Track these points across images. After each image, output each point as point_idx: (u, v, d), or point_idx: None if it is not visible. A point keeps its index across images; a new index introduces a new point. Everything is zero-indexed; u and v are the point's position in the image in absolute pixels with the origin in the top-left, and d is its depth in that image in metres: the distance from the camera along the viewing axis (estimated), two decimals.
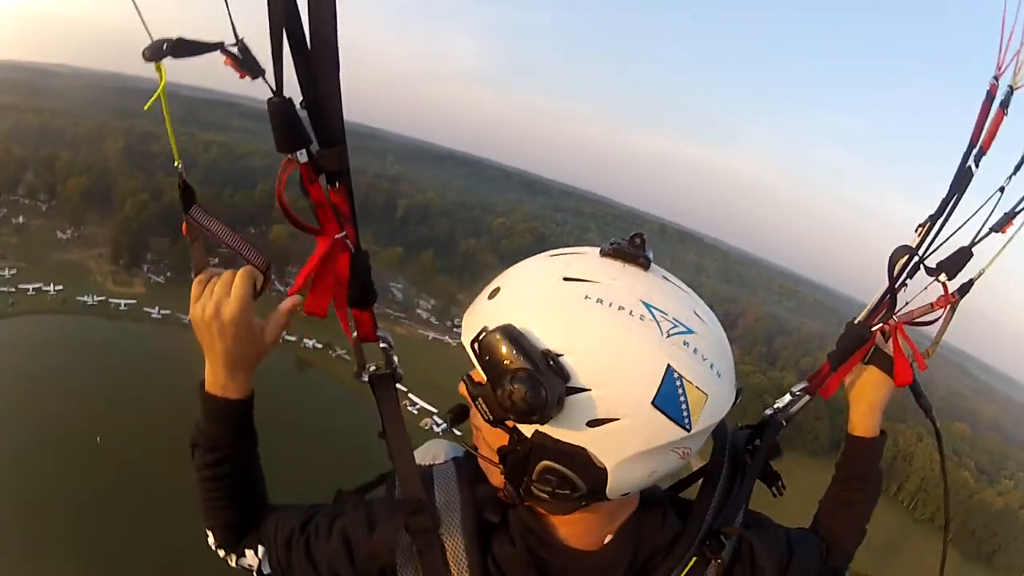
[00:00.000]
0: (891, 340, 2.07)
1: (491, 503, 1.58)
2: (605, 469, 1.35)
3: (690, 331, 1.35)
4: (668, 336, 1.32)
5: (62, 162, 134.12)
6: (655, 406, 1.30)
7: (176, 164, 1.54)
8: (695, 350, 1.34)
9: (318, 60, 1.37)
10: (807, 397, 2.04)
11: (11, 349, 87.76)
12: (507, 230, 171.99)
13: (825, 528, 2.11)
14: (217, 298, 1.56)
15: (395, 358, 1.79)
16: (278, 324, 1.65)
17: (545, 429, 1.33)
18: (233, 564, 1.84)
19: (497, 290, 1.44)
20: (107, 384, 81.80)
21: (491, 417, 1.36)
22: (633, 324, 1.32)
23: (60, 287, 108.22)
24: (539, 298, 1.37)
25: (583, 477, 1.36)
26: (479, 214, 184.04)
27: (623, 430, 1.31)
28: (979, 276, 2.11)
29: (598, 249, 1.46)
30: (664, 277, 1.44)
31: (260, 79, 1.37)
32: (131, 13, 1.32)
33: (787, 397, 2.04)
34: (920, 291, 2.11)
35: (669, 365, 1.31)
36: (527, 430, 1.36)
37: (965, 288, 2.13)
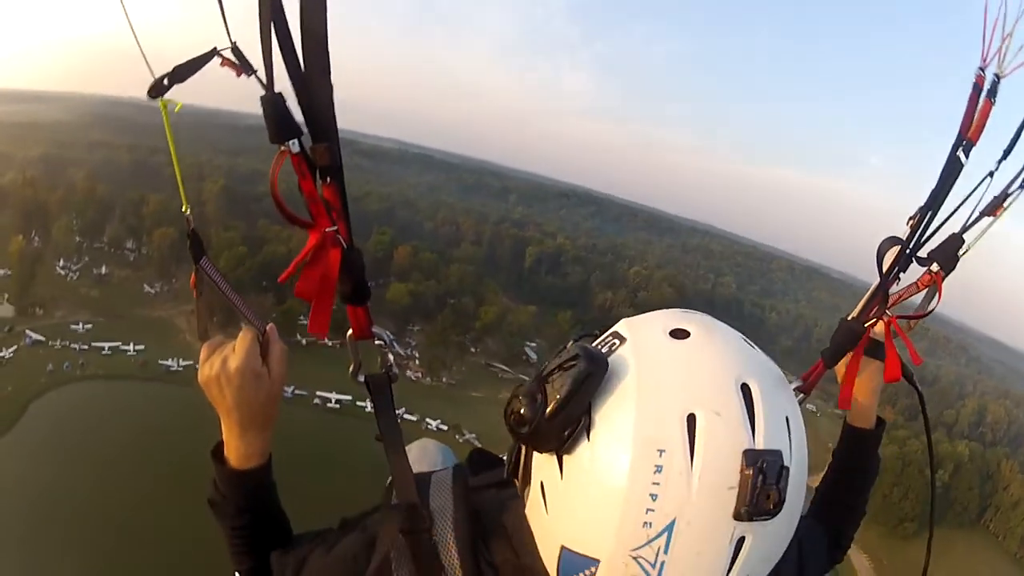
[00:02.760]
0: (886, 335, 2.06)
1: (493, 509, 1.59)
2: None
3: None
4: (632, 557, 1.19)
5: (151, 207, 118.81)
6: (561, 552, 1.29)
7: (184, 210, 1.61)
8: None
9: (308, 58, 1.43)
10: (802, 396, 2.03)
11: (75, 420, 71.72)
12: (644, 280, 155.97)
13: (824, 514, 2.17)
14: (224, 354, 1.63)
15: (391, 357, 1.81)
16: (278, 355, 1.69)
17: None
18: None
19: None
20: (184, 467, 61.18)
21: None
22: (632, 506, 1.18)
23: (141, 347, 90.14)
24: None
25: None
26: (612, 260, 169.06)
27: (546, 521, 1.35)
28: (964, 252, 2.06)
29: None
30: (751, 547, 1.22)
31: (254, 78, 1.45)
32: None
33: None
34: (913, 282, 2.10)
35: (599, 562, 1.23)
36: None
37: (950, 266, 2.08)
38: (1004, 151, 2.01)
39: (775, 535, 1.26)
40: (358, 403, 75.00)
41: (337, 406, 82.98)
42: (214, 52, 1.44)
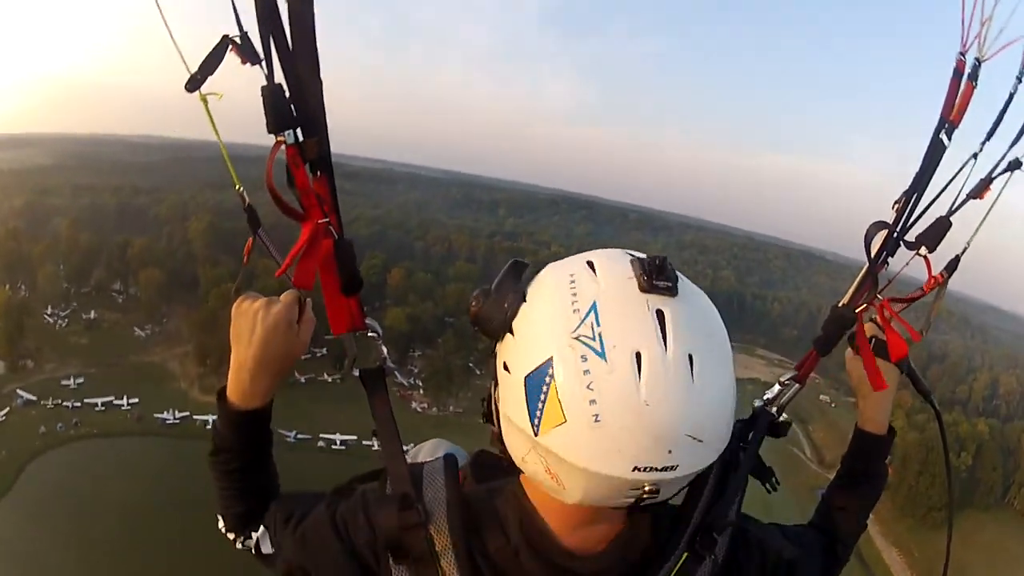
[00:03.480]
0: (880, 318, 2.08)
1: (483, 498, 1.63)
2: None
3: (602, 358, 1.28)
4: (574, 338, 1.31)
5: (135, 250, 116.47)
6: (524, 381, 1.35)
7: (237, 187, 1.71)
8: (586, 371, 1.28)
9: (299, 55, 1.54)
10: (797, 386, 2.06)
11: (71, 482, 69.23)
12: None
13: (829, 521, 2.17)
14: (267, 298, 1.74)
15: (384, 349, 1.85)
16: (308, 324, 1.77)
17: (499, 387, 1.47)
18: (239, 547, 1.93)
19: None
20: (186, 523, 57.68)
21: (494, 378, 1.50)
22: (561, 305, 1.35)
23: (135, 400, 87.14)
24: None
25: None
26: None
27: (510, 385, 1.40)
28: (964, 251, 2.10)
29: (629, 261, 1.42)
30: (673, 316, 1.34)
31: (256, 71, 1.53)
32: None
33: (776, 387, 2.06)
34: (903, 266, 2.11)
35: (551, 357, 1.31)
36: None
37: (952, 265, 2.11)
38: (987, 132, 2.03)
39: (697, 312, 1.39)
40: (364, 442, 70.98)
41: (343, 448, 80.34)
42: (226, 39, 1.50)
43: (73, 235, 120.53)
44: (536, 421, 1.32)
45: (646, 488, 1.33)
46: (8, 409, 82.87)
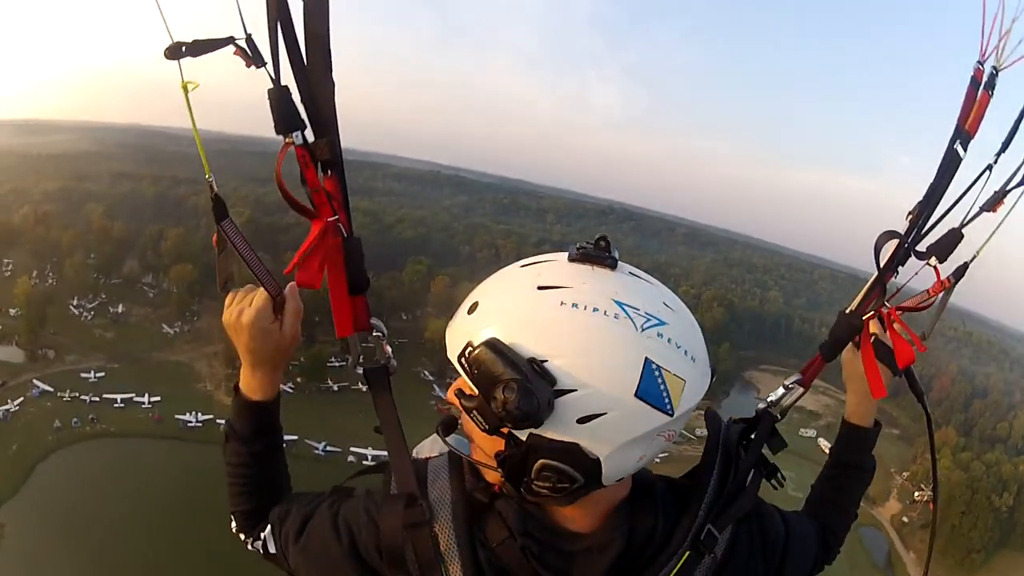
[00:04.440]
0: (887, 326, 2.10)
1: (483, 490, 1.64)
2: (598, 460, 1.41)
3: (662, 323, 1.43)
4: (643, 331, 1.40)
5: (170, 242, 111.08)
6: (639, 397, 1.38)
7: (207, 176, 1.71)
8: (669, 339, 1.42)
9: (311, 57, 1.58)
10: (800, 390, 2.07)
11: (83, 484, 64.84)
12: (693, 300, 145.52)
13: (818, 512, 2.21)
14: (240, 305, 1.79)
15: (388, 349, 1.89)
16: (292, 315, 1.82)
17: (539, 431, 1.40)
18: (250, 547, 1.98)
19: (476, 305, 1.51)
20: (200, 537, 54.01)
21: (487, 426, 1.42)
22: (609, 323, 1.40)
23: (157, 398, 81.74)
24: (518, 309, 1.45)
25: (579, 469, 1.41)
26: (659, 280, 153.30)
27: (611, 422, 1.39)
28: (973, 259, 2.13)
29: (566, 255, 1.54)
30: (631, 273, 1.54)
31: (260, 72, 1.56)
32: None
33: (780, 390, 2.07)
34: (912, 275, 2.15)
35: (647, 358, 1.39)
36: (522, 434, 1.41)
37: (960, 271, 2.14)
38: (1002, 144, 2.05)
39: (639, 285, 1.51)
40: None
41: (374, 464, 71.86)
42: (231, 40, 1.53)
43: (106, 223, 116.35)
44: (669, 405, 1.41)
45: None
46: (22, 399, 78.23)
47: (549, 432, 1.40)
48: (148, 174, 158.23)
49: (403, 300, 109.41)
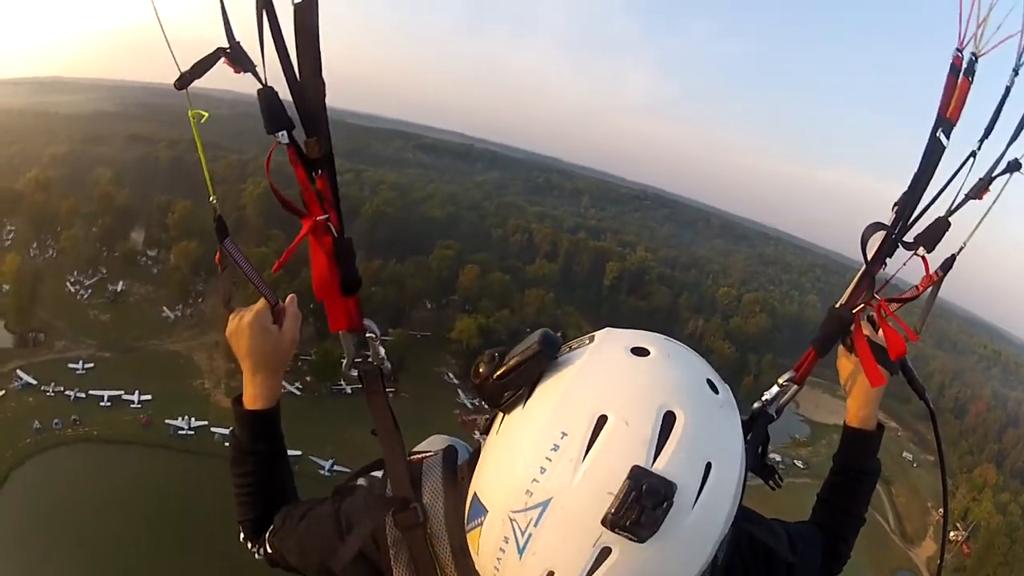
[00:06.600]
0: (878, 319, 2.11)
1: None
2: None
3: (519, 554, 1.27)
4: (511, 516, 1.27)
5: (177, 214, 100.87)
6: (473, 493, 1.40)
7: (211, 199, 1.84)
8: (502, 551, 1.30)
9: (301, 57, 1.60)
10: (795, 387, 2.09)
11: (61, 496, 58.35)
12: (734, 303, 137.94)
13: (826, 520, 2.20)
14: (242, 313, 1.91)
15: (382, 350, 1.93)
16: (291, 319, 1.95)
17: None
18: (256, 556, 2.05)
19: None
20: (188, 556, 52.36)
21: None
22: (527, 467, 1.27)
23: (147, 397, 72.82)
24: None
25: None
26: (696, 277, 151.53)
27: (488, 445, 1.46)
28: (960, 250, 2.17)
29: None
30: (616, 564, 1.24)
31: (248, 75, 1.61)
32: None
33: (775, 389, 2.09)
34: (900, 266, 2.16)
35: (489, 512, 1.33)
36: None
37: (948, 264, 2.17)
38: (985, 130, 2.07)
39: (644, 565, 1.24)
40: None
41: (373, 462, 63.44)
42: (219, 52, 1.59)
43: (110, 190, 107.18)
44: (467, 527, 1.40)
45: None
46: (3, 392, 70.50)
47: None
48: (165, 136, 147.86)
49: (431, 288, 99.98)
